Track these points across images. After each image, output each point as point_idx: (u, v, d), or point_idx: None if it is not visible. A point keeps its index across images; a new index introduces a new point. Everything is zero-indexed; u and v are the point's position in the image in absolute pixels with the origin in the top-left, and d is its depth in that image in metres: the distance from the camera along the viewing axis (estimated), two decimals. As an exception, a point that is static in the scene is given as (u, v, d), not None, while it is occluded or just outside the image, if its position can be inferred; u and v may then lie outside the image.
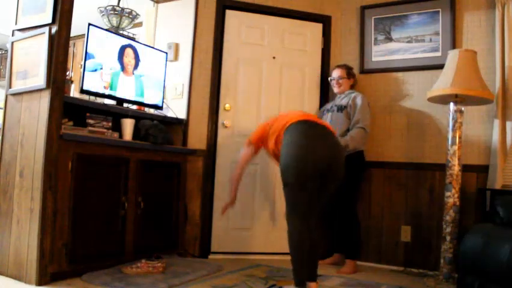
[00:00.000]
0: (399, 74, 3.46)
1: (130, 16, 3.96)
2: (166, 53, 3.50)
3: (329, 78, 3.48)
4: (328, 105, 3.42)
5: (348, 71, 3.38)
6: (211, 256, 3.37)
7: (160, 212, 3.15)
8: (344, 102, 3.25)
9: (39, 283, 2.32)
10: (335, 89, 3.39)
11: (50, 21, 2.45)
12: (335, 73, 3.39)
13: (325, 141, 2.39)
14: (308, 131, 2.41)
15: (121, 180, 2.82)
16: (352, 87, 3.40)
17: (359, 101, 3.19)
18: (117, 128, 2.98)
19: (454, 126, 2.85)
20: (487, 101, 2.87)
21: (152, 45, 3.61)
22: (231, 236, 3.44)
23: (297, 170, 2.28)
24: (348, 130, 3.17)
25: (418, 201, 3.29)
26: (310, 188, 2.31)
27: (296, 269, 2.31)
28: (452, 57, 2.86)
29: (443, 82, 2.85)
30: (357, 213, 3.25)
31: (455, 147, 2.84)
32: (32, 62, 2.52)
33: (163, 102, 3.44)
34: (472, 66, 2.82)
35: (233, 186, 2.89)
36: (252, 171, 3.50)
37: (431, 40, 3.35)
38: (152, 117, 3.28)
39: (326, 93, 3.64)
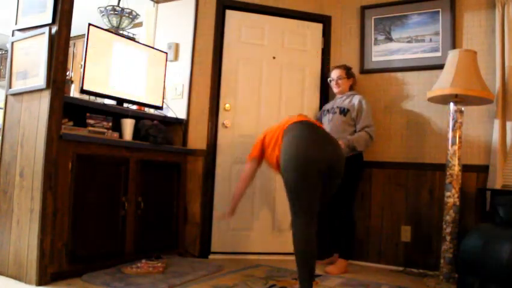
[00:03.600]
0: (399, 74, 3.46)
1: (130, 16, 3.96)
2: (166, 53, 3.50)
3: (328, 79, 3.47)
4: (328, 106, 3.40)
5: (347, 71, 3.36)
6: (211, 256, 3.37)
7: (160, 212, 3.15)
8: (346, 104, 3.23)
9: (39, 283, 2.32)
10: (335, 90, 3.38)
11: (50, 21, 2.45)
12: (334, 74, 3.38)
13: (326, 139, 2.38)
14: (309, 129, 2.40)
15: (121, 180, 2.82)
16: (351, 87, 3.39)
17: (364, 105, 3.19)
18: (117, 128, 2.98)
19: (454, 126, 2.85)
20: (487, 101, 2.87)
21: (152, 45, 3.62)
22: (231, 236, 3.44)
23: (299, 162, 2.22)
24: (348, 133, 3.18)
25: (418, 201, 3.29)
26: (312, 184, 2.25)
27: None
28: (452, 57, 2.86)
29: (443, 82, 2.85)
30: (353, 213, 3.25)
31: (455, 147, 2.84)
32: (32, 62, 2.52)
33: (163, 102, 3.44)
34: (472, 66, 2.82)
35: (234, 201, 2.87)
36: (252, 171, 3.50)
37: (431, 40, 3.35)
38: (152, 117, 3.28)
39: (325, 94, 3.64)
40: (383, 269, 3.27)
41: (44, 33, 2.45)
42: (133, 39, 3.51)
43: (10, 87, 2.65)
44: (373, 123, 3.19)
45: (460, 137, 2.84)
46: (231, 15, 3.55)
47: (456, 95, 2.81)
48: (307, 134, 2.36)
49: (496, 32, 3.04)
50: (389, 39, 3.53)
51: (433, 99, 2.99)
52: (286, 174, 2.30)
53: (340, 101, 3.31)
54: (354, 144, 3.09)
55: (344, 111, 3.20)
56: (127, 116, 3.03)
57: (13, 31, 2.72)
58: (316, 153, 2.27)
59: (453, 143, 2.84)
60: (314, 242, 2.27)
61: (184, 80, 3.51)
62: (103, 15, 3.91)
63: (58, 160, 2.42)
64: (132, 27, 4.20)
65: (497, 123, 2.98)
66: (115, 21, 3.93)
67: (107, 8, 3.88)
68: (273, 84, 3.60)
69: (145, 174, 2.98)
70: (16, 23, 2.70)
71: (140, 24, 4.24)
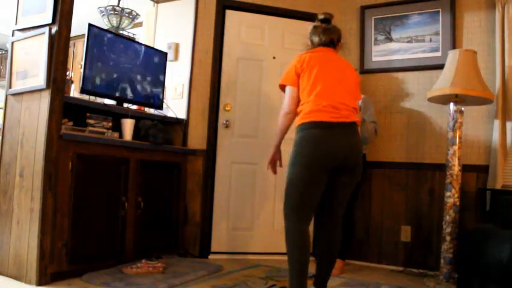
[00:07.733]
0: (399, 74, 3.46)
1: (130, 16, 3.96)
2: (166, 53, 3.50)
3: None
4: None
5: None
6: (211, 256, 3.37)
7: (160, 212, 3.15)
8: None
9: (39, 283, 2.32)
10: None
11: (50, 21, 2.45)
12: None
13: (343, 137, 2.09)
14: (324, 137, 2.08)
15: (121, 180, 2.82)
16: None
17: (370, 102, 3.22)
18: (117, 128, 2.98)
19: (454, 126, 2.85)
20: (487, 101, 2.87)
21: (152, 45, 3.62)
22: (231, 236, 3.44)
23: (310, 157, 2.02)
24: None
25: (418, 201, 3.29)
26: (321, 181, 2.08)
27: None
28: (452, 57, 2.86)
29: (443, 82, 2.85)
30: (354, 214, 3.24)
31: (455, 147, 2.84)
32: (32, 62, 2.52)
33: (163, 102, 3.44)
34: (472, 66, 2.82)
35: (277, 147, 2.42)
36: (251, 171, 3.50)
37: (431, 40, 3.35)
38: (152, 117, 3.28)
39: (326, 93, 3.64)
40: (383, 269, 3.27)
41: (44, 33, 2.45)
42: (133, 39, 3.51)
43: (10, 87, 2.65)
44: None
45: (460, 137, 2.84)
46: (231, 15, 3.55)
47: (456, 95, 2.81)
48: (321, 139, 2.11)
49: (496, 32, 3.04)
50: (389, 39, 3.53)
51: (433, 99, 2.99)
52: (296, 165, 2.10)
53: None
54: (367, 128, 3.10)
55: None
56: (127, 116, 3.03)
57: (13, 31, 2.72)
58: (331, 149, 2.06)
59: (453, 143, 2.84)
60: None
61: (184, 80, 3.51)
62: (103, 15, 3.91)
63: (58, 160, 2.42)
64: (132, 27, 4.20)
65: (497, 123, 2.98)
66: (115, 21, 3.93)
67: (107, 8, 3.88)
68: (273, 84, 3.59)
69: (145, 174, 2.98)
70: (16, 23, 2.70)
71: (140, 24, 4.25)
